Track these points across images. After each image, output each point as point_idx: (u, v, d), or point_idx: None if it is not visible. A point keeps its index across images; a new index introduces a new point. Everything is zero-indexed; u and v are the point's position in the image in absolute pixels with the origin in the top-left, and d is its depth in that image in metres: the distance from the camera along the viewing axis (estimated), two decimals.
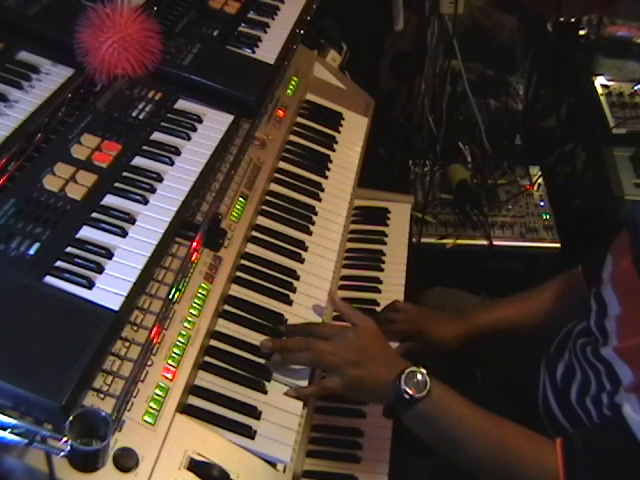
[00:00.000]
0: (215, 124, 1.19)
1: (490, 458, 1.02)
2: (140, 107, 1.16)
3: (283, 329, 1.15)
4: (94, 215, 0.98)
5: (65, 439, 0.80)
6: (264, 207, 1.30)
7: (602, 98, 2.09)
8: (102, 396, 0.88)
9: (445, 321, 1.40)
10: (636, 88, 2.12)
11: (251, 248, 1.23)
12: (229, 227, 1.18)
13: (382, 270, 1.52)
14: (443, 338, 1.36)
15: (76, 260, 0.91)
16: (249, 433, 1.00)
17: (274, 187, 1.35)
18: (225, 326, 1.11)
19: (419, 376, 1.04)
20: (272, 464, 0.99)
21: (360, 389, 1.09)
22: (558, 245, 2.02)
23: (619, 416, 0.95)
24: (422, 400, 1.03)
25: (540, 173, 2.22)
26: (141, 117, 1.15)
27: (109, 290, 0.89)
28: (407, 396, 1.03)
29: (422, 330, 1.37)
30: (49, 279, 0.88)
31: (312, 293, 1.23)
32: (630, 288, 1.02)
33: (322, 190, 1.40)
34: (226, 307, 1.14)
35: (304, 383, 1.10)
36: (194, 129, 1.16)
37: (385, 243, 1.55)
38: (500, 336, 1.39)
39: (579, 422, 1.08)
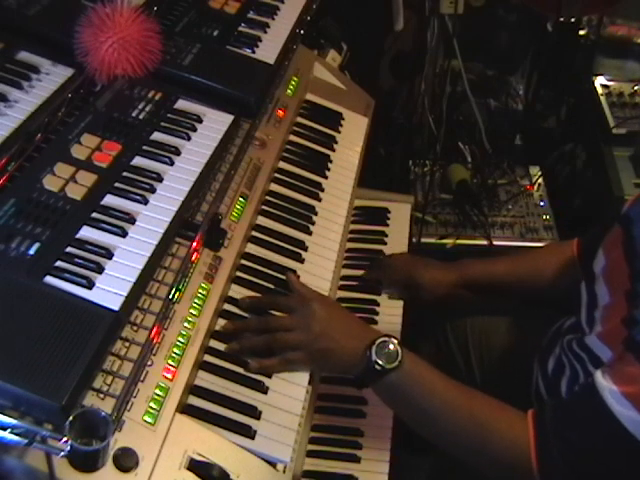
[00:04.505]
0: (215, 124, 1.19)
1: (460, 430, 1.00)
2: (140, 107, 1.16)
3: (246, 301, 1.13)
4: (94, 215, 0.98)
5: (65, 439, 0.80)
6: (264, 207, 1.30)
7: (602, 98, 2.09)
8: (102, 396, 0.88)
9: (434, 266, 1.40)
10: (636, 88, 2.12)
11: (251, 248, 1.23)
12: (229, 227, 1.18)
13: None
14: (431, 282, 1.37)
15: (76, 260, 0.91)
16: (249, 433, 1.00)
17: (274, 187, 1.35)
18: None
19: (390, 346, 1.02)
20: (272, 464, 0.99)
21: (326, 361, 1.08)
22: None
23: (591, 385, 0.93)
24: (393, 371, 1.01)
25: (540, 173, 2.22)
26: (141, 117, 1.15)
27: (109, 290, 0.89)
28: (378, 367, 1.01)
29: (411, 276, 1.38)
30: (49, 279, 0.88)
31: None
32: (619, 277, 1.02)
33: (322, 190, 1.40)
34: (226, 307, 1.14)
35: (305, 376, 1.10)
36: (194, 129, 1.16)
37: (385, 243, 1.54)
38: (489, 291, 1.38)
39: None
